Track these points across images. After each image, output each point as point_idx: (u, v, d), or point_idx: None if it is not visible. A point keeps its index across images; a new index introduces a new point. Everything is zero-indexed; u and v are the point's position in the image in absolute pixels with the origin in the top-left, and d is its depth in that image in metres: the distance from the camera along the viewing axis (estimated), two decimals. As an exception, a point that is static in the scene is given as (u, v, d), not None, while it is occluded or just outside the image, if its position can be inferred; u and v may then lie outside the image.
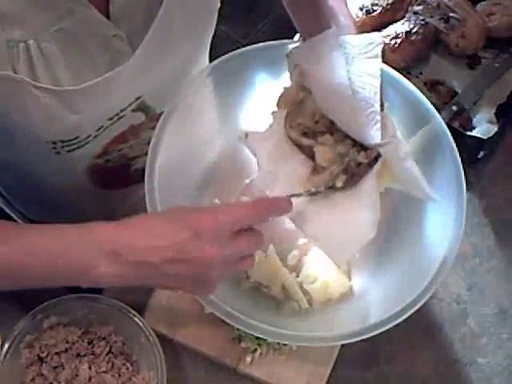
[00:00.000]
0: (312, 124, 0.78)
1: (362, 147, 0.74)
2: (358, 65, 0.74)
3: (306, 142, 0.78)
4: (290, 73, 0.81)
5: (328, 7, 0.81)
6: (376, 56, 0.75)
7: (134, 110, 0.84)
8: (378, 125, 0.71)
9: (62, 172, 0.89)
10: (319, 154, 0.76)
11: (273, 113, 0.82)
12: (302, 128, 0.78)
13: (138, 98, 0.83)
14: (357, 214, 0.74)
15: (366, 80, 0.73)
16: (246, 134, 0.82)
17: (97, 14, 0.71)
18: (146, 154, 0.79)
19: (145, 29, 0.74)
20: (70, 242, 0.65)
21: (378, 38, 0.76)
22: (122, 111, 0.82)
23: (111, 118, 0.82)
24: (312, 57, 0.78)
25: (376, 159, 0.74)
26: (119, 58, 0.75)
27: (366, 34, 0.77)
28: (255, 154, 0.81)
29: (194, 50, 0.87)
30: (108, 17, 0.73)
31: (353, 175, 0.74)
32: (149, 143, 0.79)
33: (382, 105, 0.75)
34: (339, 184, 0.74)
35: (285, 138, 0.80)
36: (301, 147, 0.79)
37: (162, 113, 0.81)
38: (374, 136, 0.72)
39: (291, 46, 0.85)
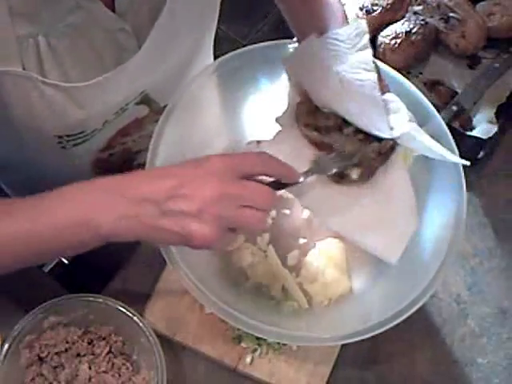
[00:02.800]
0: (324, 120, 0.77)
1: (374, 138, 0.74)
2: (352, 61, 0.74)
3: (326, 139, 0.77)
4: (288, 75, 0.82)
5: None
6: (365, 46, 0.75)
7: (137, 103, 0.85)
8: (387, 117, 0.72)
9: (66, 166, 0.89)
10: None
11: (277, 119, 0.81)
12: (315, 126, 0.78)
13: (142, 92, 0.84)
14: (396, 208, 0.74)
15: (362, 76, 0.73)
16: (258, 141, 0.81)
17: (104, 9, 0.71)
18: None
19: (150, 22, 0.75)
20: (66, 196, 0.64)
21: (362, 26, 0.76)
22: (126, 105, 0.83)
23: (116, 112, 0.83)
24: (302, 66, 0.78)
25: (392, 148, 0.74)
26: (125, 52, 0.76)
27: (350, 24, 0.77)
28: None
29: (197, 44, 0.87)
30: (114, 11, 0.73)
31: (368, 167, 0.75)
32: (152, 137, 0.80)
33: (386, 86, 0.76)
34: (354, 176, 0.74)
35: (297, 139, 0.79)
36: (318, 145, 0.78)
37: (165, 106, 0.82)
38: (387, 130, 0.72)
39: (291, 46, 0.86)
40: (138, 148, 0.94)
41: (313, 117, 0.78)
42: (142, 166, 0.92)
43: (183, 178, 0.64)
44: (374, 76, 0.73)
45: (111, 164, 0.94)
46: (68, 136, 0.81)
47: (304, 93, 0.79)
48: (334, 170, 0.74)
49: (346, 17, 0.81)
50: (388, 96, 0.75)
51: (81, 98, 0.75)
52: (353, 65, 0.74)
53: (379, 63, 0.80)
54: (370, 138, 0.74)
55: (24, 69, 0.70)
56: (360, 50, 0.75)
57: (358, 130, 0.75)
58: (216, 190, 0.63)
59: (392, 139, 0.73)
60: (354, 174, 0.74)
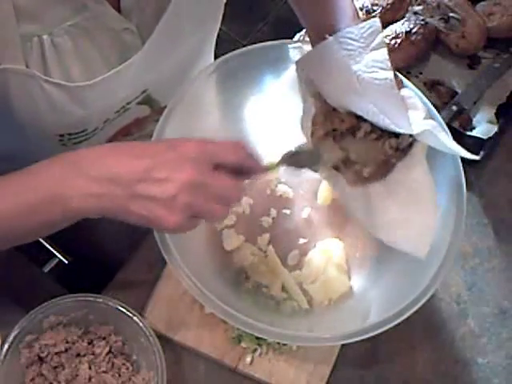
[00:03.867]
0: (339, 123, 0.77)
1: (391, 134, 0.74)
2: (367, 60, 0.74)
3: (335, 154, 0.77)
4: (299, 77, 0.81)
5: None
6: (380, 45, 0.74)
7: (139, 103, 0.85)
8: (407, 114, 0.72)
9: None
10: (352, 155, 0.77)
11: (301, 124, 0.81)
12: (331, 133, 0.77)
13: (144, 91, 0.84)
14: (419, 202, 0.74)
15: (380, 75, 0.72)
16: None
17: (109, 9, 0.71)
18: None
19: (155, 22, 0.75)
20: (37, 173, 0.64)
21: (376, 24, 0.75)
22: (128, 104, 0.83)
23: (117, 111, 0.83)
24: (317, 67, 0.77)
25: (410, 145, 0.73)
26: (130, 52, 0.76)
27: (364, 23, 0.76)
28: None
29: (200, 45, 0.87)
30: (119, 10, 0.73)
31: (385, 164, 0.74)
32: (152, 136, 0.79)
33: (401, 82, 0.76)
34: (366, 174, 0.75)
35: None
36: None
37: (166, 106, 0.82)
38: (408, 126, 0.71)
39: (291, 46, 0.86)
40: None
41: (330, 121, 0.77)
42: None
43: (156, 160, 0.63)
44: (391, 75, 0.72)
45: None
46: (70, 134, 0.81)
47: (318, 96, 0.78)
48: (307, 168, 0.76)
49: (358, 13, 0.80)
50: (405, 92, 0.74)
51: (83, 97, 0.75)
52: (368, 64, 0.73)
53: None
54: (385, 135, 0.74)
55: (27, 67, 0.70)
56: (374, 48, 0.74)
57: (371, 131, 0.74)
58: (189, 177, 0.63)
59: (411, 135, 0.73)
60: (366, 172, 0.74)
